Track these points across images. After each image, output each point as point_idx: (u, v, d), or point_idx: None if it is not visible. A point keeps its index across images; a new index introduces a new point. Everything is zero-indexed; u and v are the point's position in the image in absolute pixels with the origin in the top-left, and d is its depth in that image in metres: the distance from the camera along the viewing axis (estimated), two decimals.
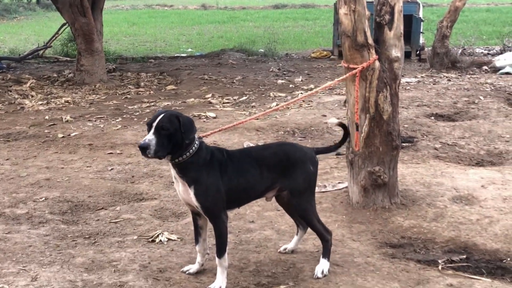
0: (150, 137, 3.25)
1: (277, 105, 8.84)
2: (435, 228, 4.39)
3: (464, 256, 3.98)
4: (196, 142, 3.45)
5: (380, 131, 4.64)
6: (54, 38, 14.93)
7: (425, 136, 6.95)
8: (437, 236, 4.28)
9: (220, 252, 3.52)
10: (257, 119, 7.92)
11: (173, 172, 3.47)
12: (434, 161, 5.95)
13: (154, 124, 3.28)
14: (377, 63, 4.54)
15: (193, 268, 3.73)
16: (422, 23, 13.58)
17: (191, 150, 3.39)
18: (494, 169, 5.66)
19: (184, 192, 3.46)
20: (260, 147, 4.29)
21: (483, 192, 4.95)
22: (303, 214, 3.75)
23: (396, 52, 4.60)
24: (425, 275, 3.67)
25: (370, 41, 4.50)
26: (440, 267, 3.80)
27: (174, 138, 3.30)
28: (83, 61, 11.33)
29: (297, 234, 4.05)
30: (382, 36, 4.60)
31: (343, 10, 4.45)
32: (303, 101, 8.99)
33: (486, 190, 4.99)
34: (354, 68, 4.51)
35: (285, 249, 4.03)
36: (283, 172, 3.66)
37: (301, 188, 3.69)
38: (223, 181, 3.48)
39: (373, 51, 4.53)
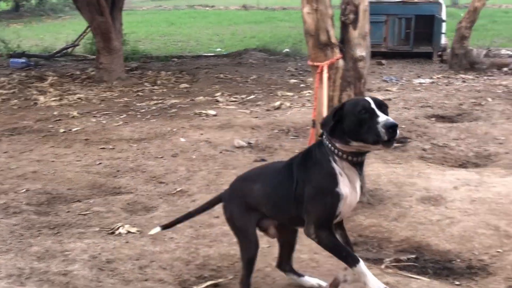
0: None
1: (280, 104, 8.90)
2: (394, 227, 4.38)
3: (414, 256, 3.97)
4: None
5: None
6: (81, 37, 15.33)
7: (419, 137, 6.89)
8: (393, 236, 4.28)
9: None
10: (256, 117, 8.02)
11: (347, 176, 2.94)
12: (416, 161, 5.91)
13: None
14: (340, 62, 4.56)
15: None
16: (444, 23, 13.39)
17: None
18: (474, 170, 5.60)
19: (354, 193, 3.00)
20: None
21: (453, 193, 4.91)
22: None
23: (361, 51, 4.60)
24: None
25: (334, 40, 4.52)
26: (383, 266, 3.80)
27: None
28: (102, 59, 11.62)
29: None
30: (346, 35, 4.61)
31: (305, 9, 4.48)
32: (308, 100, 9.01)
33: (457, 191, 4.95)
34: (318, 66, 4.54)
35: None
36: None
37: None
38: None
39: (337, 50, 4.55)
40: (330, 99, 4.63)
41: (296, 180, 3.06)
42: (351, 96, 4.62)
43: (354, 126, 2.81)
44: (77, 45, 15.36)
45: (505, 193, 4.84)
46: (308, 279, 3.52)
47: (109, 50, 11.52)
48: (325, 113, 4.63)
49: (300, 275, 3.54)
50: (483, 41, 14.41)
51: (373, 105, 2.81)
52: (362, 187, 3.06)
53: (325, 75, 4.48)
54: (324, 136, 2.98)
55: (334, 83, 4.59)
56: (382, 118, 2.74)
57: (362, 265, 2.89)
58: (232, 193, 3.39)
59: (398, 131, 2.75)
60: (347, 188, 2.94)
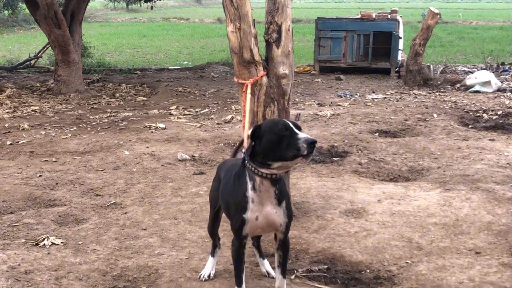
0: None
1: (232, 118, 9.04)
2: (313, 239, 4.53)
3: (325, 267, 4.11)
4: None
5: None
6: (45, 49, 15.33)
7: (359, 151, 7.07)
8: (311, 247, 4.42)
9: (286, 271, 3.40)
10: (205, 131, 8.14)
11: (259, 194, 3.13)
12: (349, 175, 6.07)
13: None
14: (264, 79, 4.72)
15: None
16: (401, 40, 13.70)
17: None
18: (402, 184, 5.78)
19: (270, 213, 3.17)
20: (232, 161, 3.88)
21: (376, 206, 5.08)
22: None
23: (284, 69, 4.76)
24: (274, 283, 3.81)
25: (257, 57, 4.67)
26: (293, 276, 3.93)
27: None
28: (60, 71, 11.68)
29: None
30: (270, 54, 4.76)
31: (229, 28, 4.63)
32: None
33: (380, 204, 5.12)
34: (243, 84, 4.69)
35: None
36: None
37: None
38: None
39: (261, 68, 4.70)
40: (255, 115, 4.78)
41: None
42: (275, 112, 4.77)
43: (273, 144, 2.98)
44: (40, 57, 15.35)
45: (424, 206, 5.03)
46: (265, 264, 3.94)
47: (67, 63, 11.58)
48: (247, 128, 4.78)
49: (261, 256, 3.96)
50: (448, 57, 14.74)
51: (292, 125, 3.01)
52: (285, 203, 3.22)
53: (249, 92, 4.62)
54: (246, 161, 3.14)
55: (258, 99, 4.74)
56: (301, 135, 2.95)
57: None
58: (217, 170, 3.80)
59: (316, 147, 2.93)
60: (257, 213, 3.15)
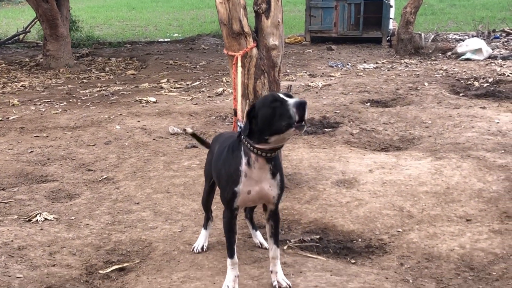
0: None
1: (223, 90, 9.00)
2: (305, 210, 4.55)
3: (317, 237, 4.14)
4: None
5: None
6: (33, 23, 15.17)
7: (351, 122, 7.07)
8: (303, 218, 4.45)
9: (279, 240, 3.39)
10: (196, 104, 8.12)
11: (253, 169, 3.13)
12: (341, 146, 6.08)
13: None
14: (254, 51, 4.69)
15: (235, 286, 3.30)
16: (391, 8, 13.62)
17: None
18: (393, 154, 5.80)
19: (264, 187, 3.18)
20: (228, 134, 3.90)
21: (367, 176, 5.10)
22: None
23: (274, 40, 4.73)
24: (267, 254, 3.83)
25: (247, 29, 4.63)
26: (286, 247, 3.96)
27: None
28: (49, 46, 11.57)
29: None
30: (260, 25, 4.73)
31: None
32: None
33: (371, 174, 5.14)
34: (233, 56, 4.66)
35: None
36: None
37: None
38: None
39: (251, 39, 4.67)
40: (246, 87, 4.76)
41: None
42: (265, 84, 4.75)
43: (267, 119, 2.96)
44: (28, 31, 15.20)
45: (415, 175, 5.05)
46: (257, 235, 3.98)
47: (55, 37, 11.47)
48: (240, 101, 4.77)
49: (254, 227, 4.01)
50: (439, 25, 14.70)
51: (282, 95, 2.99)
52: (279, 175, 3.21)
53: (239, 64, 4.59)
54: (243, 137, 3.13)
55: (248, 71, 4.71)
56: (291, 100, 2.92)
57: (231, 262, 3.31)
58: (212, 143, 3.87)
59: (307, 109, 2.89)
60: (249, 187, 3.16)
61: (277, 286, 3.29)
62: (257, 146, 3.05)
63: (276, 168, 3.17)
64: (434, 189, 4.78)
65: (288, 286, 3.28)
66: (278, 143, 3.04)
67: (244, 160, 3.13)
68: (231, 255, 3.32)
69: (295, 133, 2.97)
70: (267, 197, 3.23)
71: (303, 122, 2.89)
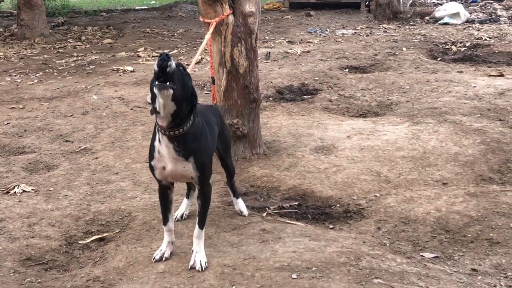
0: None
1: (201, 59, 8.93)
2: (284, 176, 4.58)
3: (296, 203, 4.18)
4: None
5: (237, 84, 4.78)
6: None
7: (329, 88, 7.08)
8: (282, 185, 4.47)
9: (204, 222, 3.34)
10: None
11: (162, 147, 3.12)
12: (319, 113, 6.10)
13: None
14: (230, 18, 4.64)
15: (166, 251, 3.37)
16: None
17: (191, 121, 3.08)
18: (371, 120, 5.83)
19: (175, 167, 3.16)
20: (202, 107, 3.69)
21: (345, 142, 5.12)
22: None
23: (250, 7, 4.69)
24: (247, 221, 3.87)
25: None
26: (265, 214, 3.99)
27: (184, 96, 2.98)
28: (23, 15, 11.38)
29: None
30: None
31: None
32: None
33: (349, 140, 5.17)
34: (209, 23, 4.61)
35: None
36: (221, 131, 3.74)
37: (229, 145, 3.95)
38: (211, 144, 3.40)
39: (227, 6, 4.62)
40: (223, 55, 4.73)
41: None
42: (243, 51, 4.73)
43: (150, 85, 2.97)
44: (2, 1, 14.88)
45: (392, 140, 5.09)
46: (238, 203, 3.97)
47: (30, 6, 11.27)
48: (216, 69, 4.75)
49: (235, 195, 4.00)
50: None
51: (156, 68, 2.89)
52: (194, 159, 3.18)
53: (211, 30, 4.55)
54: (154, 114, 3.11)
55: (225, 39, 4.68)
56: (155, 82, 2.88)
57: (165, 228, 3.40)
58: None
59: (170, 66, 2.81)
60: (163, 163, 3.18)
61: (190, 265, 3.23)
62: (158, 122, 3.06)
63: (187, 151, 3.12)
64: (411, 154, 4.83)
65: (200, 269, 3.18)
66: (166, 113, 2.96)
67: (157, 136, 3.16)
68: (164, 222, 3.39)
69: (160, 94, 2.86)
70: (185, 177, 3.26)
71: (168, 83, 2.83)
